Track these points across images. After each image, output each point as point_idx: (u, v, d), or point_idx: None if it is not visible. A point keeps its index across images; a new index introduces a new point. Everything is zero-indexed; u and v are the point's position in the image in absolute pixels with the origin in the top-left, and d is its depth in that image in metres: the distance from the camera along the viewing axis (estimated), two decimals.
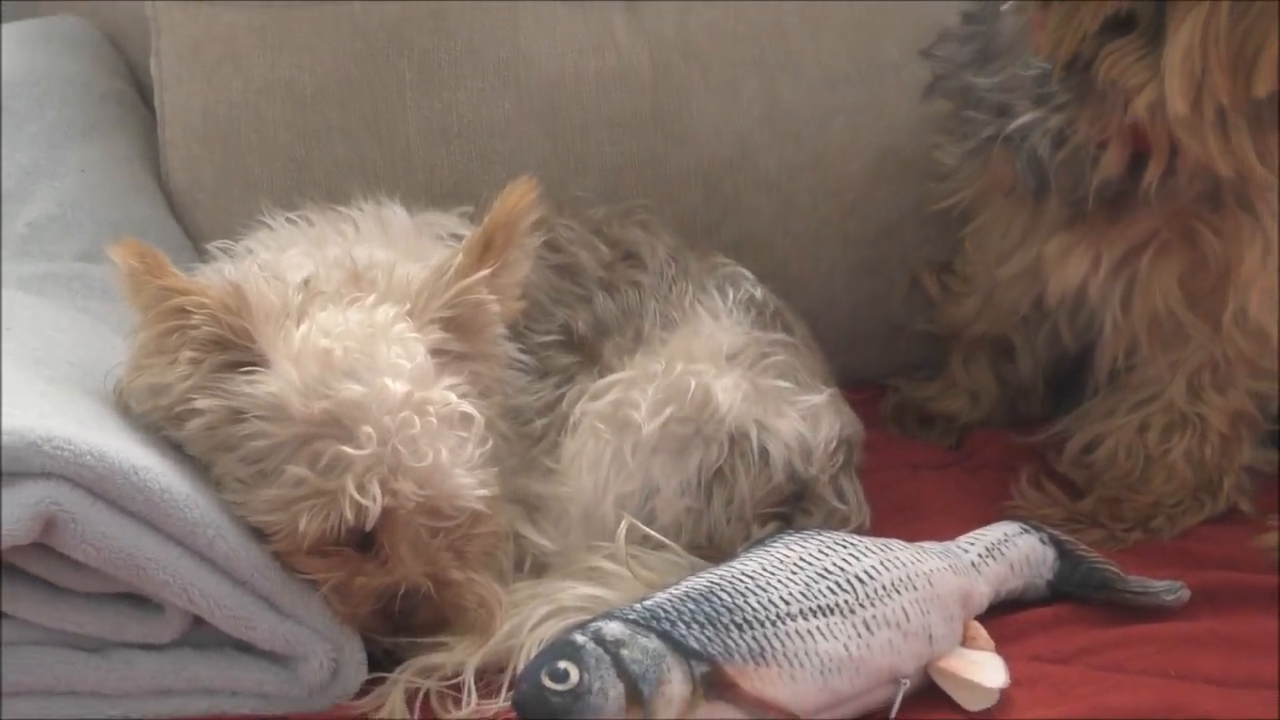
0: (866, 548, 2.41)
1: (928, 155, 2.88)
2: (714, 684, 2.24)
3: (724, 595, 2.30)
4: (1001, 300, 2.82)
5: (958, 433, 2.92)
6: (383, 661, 2.38)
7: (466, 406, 2.35)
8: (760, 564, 2.36)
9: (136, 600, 2.33)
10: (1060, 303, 2.72)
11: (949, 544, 2.49)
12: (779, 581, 2.33)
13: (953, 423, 2.93)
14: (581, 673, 2.21)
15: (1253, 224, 2.58)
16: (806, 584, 2.33)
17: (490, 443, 2.38)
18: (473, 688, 2.33)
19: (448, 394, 2.34)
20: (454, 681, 2.34)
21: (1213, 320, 2.64)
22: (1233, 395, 2.69)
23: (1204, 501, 2.70)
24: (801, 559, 2.37)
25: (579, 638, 2.24)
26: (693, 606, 2.28)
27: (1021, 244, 2.72)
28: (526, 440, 2.54)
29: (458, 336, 2.39)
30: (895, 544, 2.44)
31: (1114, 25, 2.46)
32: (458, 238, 2.52)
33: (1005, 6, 2.61)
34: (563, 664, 2.21)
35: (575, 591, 2.43)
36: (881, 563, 2.38)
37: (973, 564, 2.46)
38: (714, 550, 2.50)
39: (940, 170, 2.80)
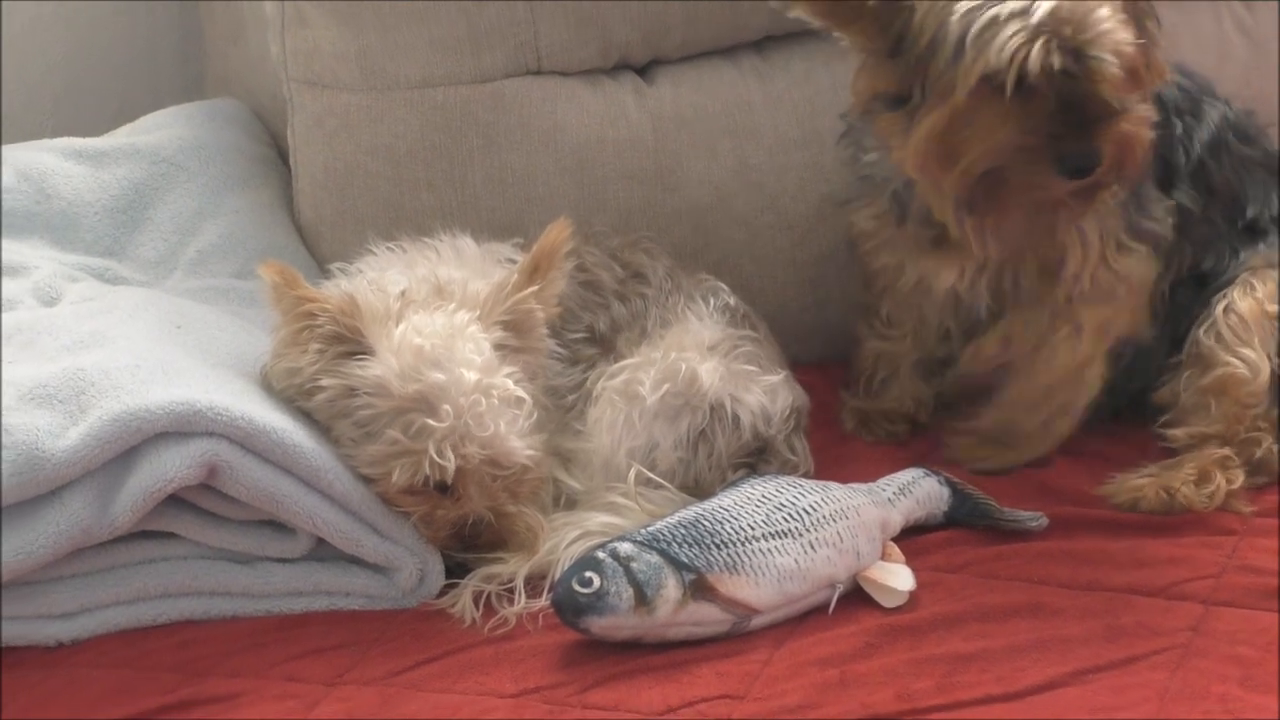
0: (811, 488, 2.40)
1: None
2: (699, 588, 2.24)
3: (706, 523, 2.30)
4: (930, 327, 2.77)
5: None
6: (456, 571, 2.38)
7: (520, 391, 2.35)
8: (733, 500, 2.35)
9: (275, 526, 2.33)
10: (943, 300, 2.67)
11: (871, 485, 2.48)
12: (747, 513, 2.32)
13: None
14: (602, 580, 2.21)
15: (1070, 231, 2.55)
16: (767, 515, 2.32)
17: (535, 414, 2.38)
18: (522, 591, 2.34)
19: (506, 381, 2.34)
20: (508, 586, 2.35)
21: (1063, 294, 2.60)
22: (1101, 308, 2.62)
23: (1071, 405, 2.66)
24: (763, 496, 2.36)
25: (600, 554, 2.25)
26: (683, 531, 2.28)
27: (908, 260, 2.67)
28: (562, 410, 2.52)
29: (514, 335, 2.39)
30: (832, 485, 2.43)
31: (893, 98, 2.45)
32: (513, 261, 2.50)
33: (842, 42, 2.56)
34: (588, 573, 2.22)
35: (597, 520, 2.42)
36: (822, 499, 2.37)
37: (889, 499, 2.46)
38: (699, 490, 2.48)
39: (849, 197, 2.74)
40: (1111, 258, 2.58)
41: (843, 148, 2.75)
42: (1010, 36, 2.34)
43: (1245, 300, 2.62)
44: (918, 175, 2.46)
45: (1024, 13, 2.35)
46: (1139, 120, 2.42)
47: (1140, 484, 2.57)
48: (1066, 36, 2.35)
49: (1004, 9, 2.35)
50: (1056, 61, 2.35)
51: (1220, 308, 2.63)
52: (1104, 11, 2.37)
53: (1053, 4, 2.34)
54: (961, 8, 2.37)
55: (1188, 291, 2.67)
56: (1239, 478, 2.57)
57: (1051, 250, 2.57)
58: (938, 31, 2.38)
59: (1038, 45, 2.34)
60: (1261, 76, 2.80)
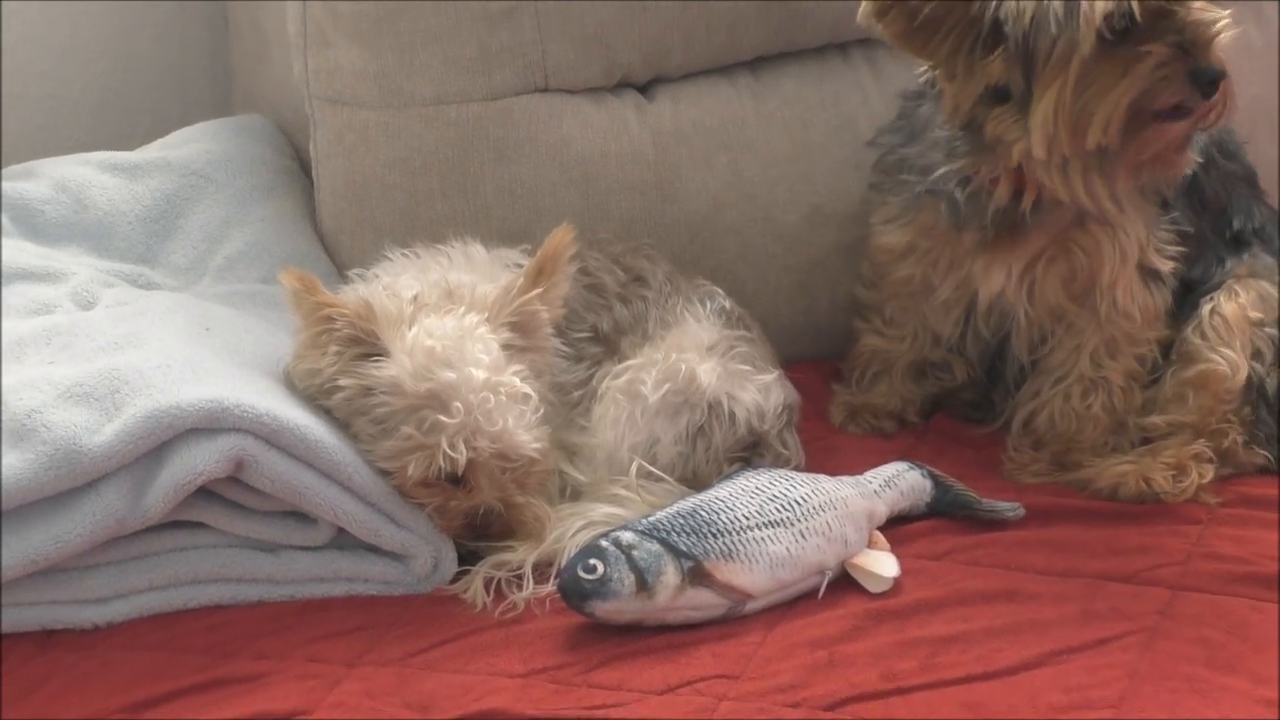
0: (802, 480, 2.40)
1: (845, 210, 2.88)
2: (696, 575, 2.24)
3: (704, 513, 2.30)
4: (930, 331, 2.77)
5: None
6: (468, 559, 2.37)
7: (526, 388, 2.35)
8: (729, 491, 2.35)
9: (298, 516, 2.33)
10: (987, 307, 2.66)
11: (858, 477, 2.47)
12: (741, 504, 2.32)
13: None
14: (605, 567, 2.21)
15: (1110, 238, 2.56)
16: (760, 505, 2.32)
17: (542, 410, 2.38)
18: (530, 577, 2.33)
19: (514, 379, 2.34)
20: (517, 572, 2.34)
21: (1093, 311, 2.61)
22: (1122, 360, 2.64)
23: (1120, 439, 2.66)
24: (757, 488, 2.36)
25: (603, 542, 2.25)
26: (682, 521, 2.28)
27: (951, 270, 2.66)
28: (567, 406, 2.52)
29: (520, 335, 2.39)
30: (821, 478, 2.43)
31: (995, 96, 2.45)
32: (520, 266, 2.50)
33: (922, 77, 2.57)
34: (592, 561, 2.22)
35: (601, 511, 2.42)
36: (812, 490, 2.37)
37: (875, 491, 2.45)
38: (697, 482, 2.48)
39: (887, 215, 2.72)
40: (1150, 258, 2.59)
41: (878, 173, 2.75)
42: None
43: (1230, 304, 2.63)
44: (1043, 155, 2.43)
45: None
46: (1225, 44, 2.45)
47: (1122, 470, 2.57)
48: None
49: None
50: None
51: (1207, 309, 2.64)
52: None
53: None
54: None
55: (1176, 298, 2.67)
56: (1210, 472, 2.58)
57: (1086, 266, 2.58)
58: (1039, 3, 2.38)
59: None
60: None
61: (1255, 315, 2.64)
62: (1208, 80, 2.40)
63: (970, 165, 2.54)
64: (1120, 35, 2.39)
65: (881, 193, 2.74)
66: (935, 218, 2.62)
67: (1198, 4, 2.41)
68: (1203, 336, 2.63)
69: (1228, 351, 2.61)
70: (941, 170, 2.57)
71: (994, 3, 2.40)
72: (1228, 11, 2.43)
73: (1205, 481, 2.57)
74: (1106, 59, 2.39)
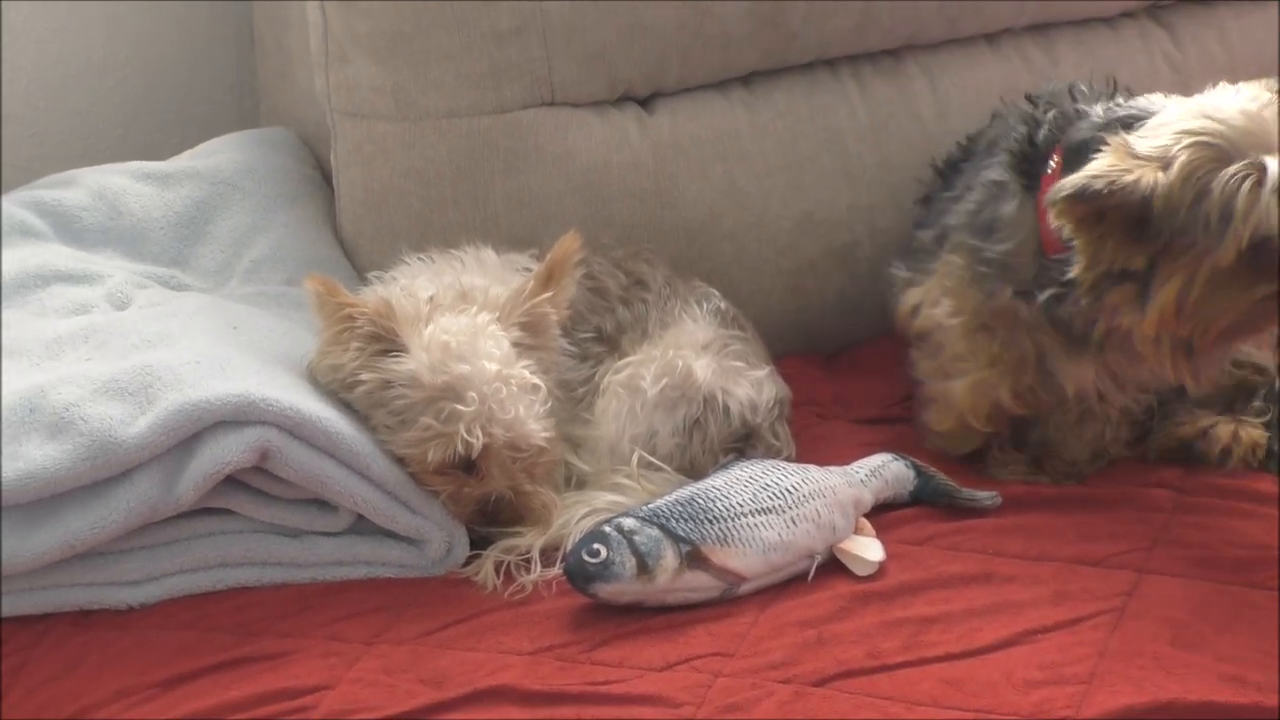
0: (792, 470, 2.41)
1: (834, 217, 2.90)
2: (694, 559, 2.25)
3: (700, 501, 2.30)
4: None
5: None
6: (479, 543, 2.38)
7: (536, 380, 2.36)
8: (724, 480, 2.36)
9: (320, 503, 2.34)
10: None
11: (846, 467, 2.47)
12: (736, 492, 2.33)
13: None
14: (608, 551, 2.22)
15: None
16: (754, 493, 2.33)
17: (549, 403, 2.39)
18: (538, 560, 2.34)
19: (523, 371, 2.35)
20: (525, 556, 2.35)
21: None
22: (1125, 395, 2.59)
23: (1101, 456, 2.63)
24: (750, 477, 2.36)
25: (606, 528, 2.25)
26: (680, 508, 2.29)
27: (1030, 355, 2.56)
28: (572, 401, 2.52)
29: (529, 335, 2.40)
30: (811, 468, 2.43)
31: (1120, 272, 2.36)
32: (529, 270, 2.51)
33: (996, 176, 2.49)
34: (596, 545, 2.23)
35: (604, 499, 2.43)
36: (802, 480, 2.38)
37: (861, 480, 2.46)
38: (694, 472, 2.48)
39: (940, 289, 2.61)
40: None
41: (945, 254, 2.61)
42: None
43: None
44: (1152, 334, 2.36)
45: None
46: None
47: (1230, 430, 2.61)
48: None
49: (1270, 178, 2.26)
50: None
51: None
52: None
53: None
54: (1223, 178, 2.27)
55: None
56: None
57: None
58: (1195, 204, 2.28)
59: None
60: None
61: None
62: None
63: (1090, 305, 2.42)
64: (1257, 245, 2.28)
65: (903, 254, 2.66)
66: (1015, 312, 2.52)
67: None
68: None
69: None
70: (1049, 292, 2.45)
71: (1143, 207, 2.29)
72: None
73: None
74: (1243, 263, 2.29)
